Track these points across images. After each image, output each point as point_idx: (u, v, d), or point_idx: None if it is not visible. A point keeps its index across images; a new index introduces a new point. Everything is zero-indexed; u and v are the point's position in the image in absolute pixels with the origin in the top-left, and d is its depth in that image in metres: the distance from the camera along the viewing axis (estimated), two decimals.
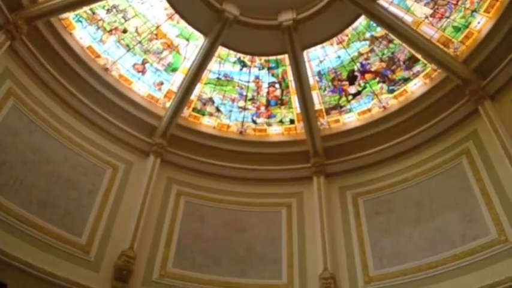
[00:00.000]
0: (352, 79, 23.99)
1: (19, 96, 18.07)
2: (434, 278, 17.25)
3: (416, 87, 22.20)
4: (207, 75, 24.32)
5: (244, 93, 25.06)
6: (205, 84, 24.62)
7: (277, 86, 25.11)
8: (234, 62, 24.60)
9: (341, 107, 24.30)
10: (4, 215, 15.78)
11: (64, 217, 17.97)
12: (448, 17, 20.72)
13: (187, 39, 23.45)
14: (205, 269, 20.16)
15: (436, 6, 20.84)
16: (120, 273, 18.01)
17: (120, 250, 18.56)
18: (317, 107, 24.00)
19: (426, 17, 21.07)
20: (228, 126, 24.92)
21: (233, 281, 19.98)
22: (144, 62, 23.36)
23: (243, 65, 24.68)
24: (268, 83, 25.11)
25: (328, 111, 24.42)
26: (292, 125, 24.95)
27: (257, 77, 25.01)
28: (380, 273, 18.92)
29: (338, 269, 19.65)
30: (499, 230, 16.54)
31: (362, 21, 22.66)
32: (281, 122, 25.14)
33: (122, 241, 18.94)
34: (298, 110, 24.05)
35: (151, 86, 23.63)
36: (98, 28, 21.98)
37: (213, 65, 24.10)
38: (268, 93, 25.19)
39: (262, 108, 25.28)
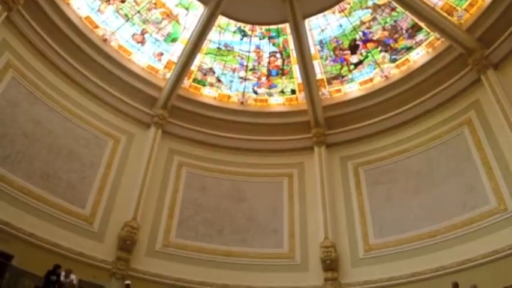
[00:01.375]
0: (354, 48, 23.66)
1: (18, 68, 17.93)
2: (434, 247, 17.53)
3: (418, 56, 21.93)
4: (207, 45, 23.98)
5: (245, 63, 24.80)
6: (206, 54, 24.32)
7: (278, 55, 24.80)
8: (234, 32, 24.21)
9: (342, 76, 24.08)
10: (8, 187, 15.94)
11: (67, 189, 18.13)
12: None
13: (187, 9, 23.03)
14: (208, 239, 20.50)
15: None
16: (124, 243, 18.31)
17: (123, 221, 18.83)
18: (318, 76, 23.79)
19: None
20: (229, 97, 24.79)
21: (235, 250, 20.35)
22: (143, 32, 23.02)
23: (244, 34, 24.30)
24: (269, 53, 24.80)
25: (329, 81, 24.20)
26: (294, 95, 24.80)
27: (258, 47, 24.67)
28: (380, 242, 19.22)
29: (339, 238, 19.96)
30: (498, 200, 16.69)
31: None
32: (282, 92, 24.99)
33: (125, 212, 19.20)
34: (300, 80, 23.87)
35: (151, 57, 23.36)
36: None
37: (213, 35, 23.73)
38: (269, 63, 24.92)
39: (263, 79, 25.06)
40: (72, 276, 14.46)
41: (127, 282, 16.04)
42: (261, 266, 19.85)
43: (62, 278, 14.01)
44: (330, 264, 18.97)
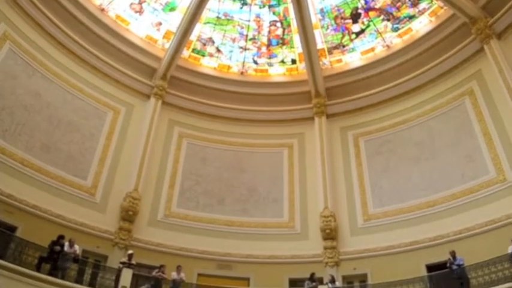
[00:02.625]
0: (355, 17, 23.27)
1: (15, 40, 17.72)
2: (433, 216, 17.75)
3: (421, 25, 21.58)
4: (206, 14, 23.55)
5: (245, 33, 24.43)
6: (205, 23, 23.93)
7: (278, 24, 24.41)
8: (234, 0, 23.76)
9: (344, 46, 23.78)
10: (9, 159, 16.02)
11: (68, 161, 18.22)
12: None
13: None
14: (209, 209, 20.72)
15: None
16: (126, 213, 18.53)
17: (125, 192, 19.00)
18: (319, 46, 23.46)
19: None
20: (229, 67, 24.56)
21: (236, 219, 20.59)
22: (141, 2, 22.55)
23: (243, 3, 23.83)
24: (269, 22, 24.39)
25: (330, 50, 23.92)
26: (294, 65, 24.56)
27: (258, 16, 24.25)
28: (379, 212, 19.44)
29: (338, 208, 20.18)
30: (497, 170, 16.79)
31: None
32: (282, 62, 24.72)
33: (127, 183, 19.34)
34: (300, 50, 23.55)
35: (149, 27, 23.01)
36: None
37: (212, 3, 23.23)
38: (269, 32, 24.55)
39: (263, 48, 24.75)
40: (76, 246, 14.72)
41: (130, 251, 16.29)
42: (262, 235, 20.16)
43: (65, 248, 14.27)
44: (330, 234, 19.25)
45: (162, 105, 22.31)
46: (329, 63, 23.82)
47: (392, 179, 19.83)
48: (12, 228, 14.80)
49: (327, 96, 23.11)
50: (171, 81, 22.71)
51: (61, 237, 14.39)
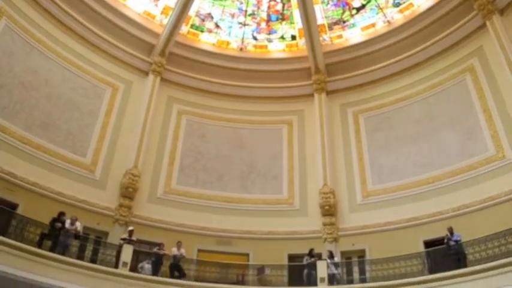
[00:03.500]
0: None
1: (11, 16, 17.46)
2: (431, 193, 17.85)
3: (423, 0, 21.24)
4: None
5: (244, 8, 24.10)
6: None
7: (278, 0, 24.06)
8: None
9: (344, 21, 23.49)
10: (8, 137, 16.02)
11: (67, 138, 18.22)
12: None
13: None
14: (208, 186, 20.82)
15: None
16: (126, 190, 18.62)
17: (124, 169, 19.05)
18: (319, 21, 23.14)
19: None
20: (228, 43, 24.28)
21: (235, 196, 20.73)
22: None
23: None
24: None
25: (330, 26, 23.64)
26: (294, 41, 24.29)
27: None
28: (378, 188, 19.55)
29: (337, 184, 20.28)
30: (497, 147, 16.81)
31: None
32: (282, 38, 24.45)
33: (126, 160, 19.39)
34: (300, 25, 23.24)
35: (147, 2, 22.66)
36: None
37: None
38: (268, 7, 24.23)
39: (263, 24, 24.45)
40: (77, 224, 14.88)
41: (130, 228, 16.45)
42: (261, 211, 20.31)
43: (67, 225, 14.41)
44: (329, 210, 19.39)
45: (160, 82, 22.16)
46: (329, 39, 23.58)
47: (391, 155, 19.87)
48: (13, 206, 14.93)
49: (327, 73, 22.94)
50: (169, 58, 22.51)
51: (62, 214, 14.56)
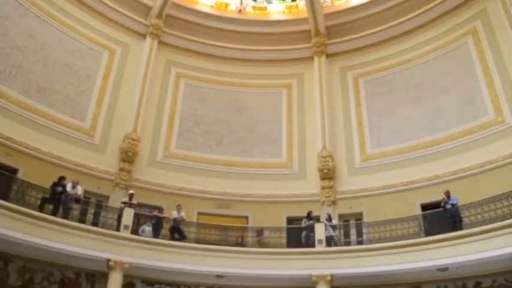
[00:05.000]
0: None
1: None
2: (430, 157, 17.94)
3: None
4: None
5: None
6: None
7: None
8: None
9: None
10: (6, 102, 15.95)
11: (65, 102, 18.13)
12: None
13: None
14: (208, 149, 20.88)
15: None
16: (126, 155, 18.68)
17: (124, 133, 19.06)
18: None
19: None
20: (227, 5, 23.76)
21: (235, 160, 20.80)
22: None
23: None
24: None
25: None
26: (294, 3, 23.80)
27: None
28: (377, 152, 19.61)
29: (336, 148, 20.33)
30: (496, 112, 16.77)
31: None
32: None
33: (125, 124, 19.37)
34: None
35: None
36: None
37: None
38: None
39: None
40: (78, 187, 15.04)
41: (130, 191, 16.63)
42: (260, 175, 20.45)
43: (68, 189, 14.54)
44: (327, 173, 19.53)
45: (158, 45, 21.85)
46: (330, 0, 23.06)
47: (391, 119, 19.84)
48: (14, 171, 15.02)
49: (327, 35, 22.57)
50: (167, 20, 22.09)
51: (62, 178, 14.66)
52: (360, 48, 22.09)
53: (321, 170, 19.62)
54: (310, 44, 22.67)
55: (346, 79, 22.00)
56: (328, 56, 22.50)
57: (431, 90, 19.08)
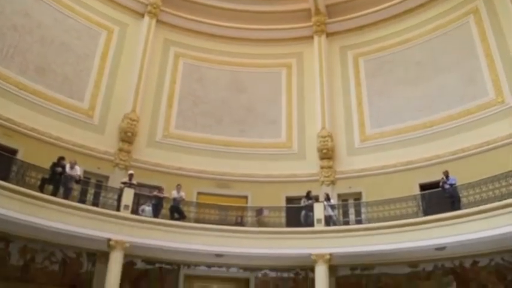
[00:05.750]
0: None
1: None
2: (429, 137, 17.94)
3: None
4: None
5: None
6: None
7: None
8: None
9: None
10: (4, 83, 15.85)
11: (63, 82, 18.02)
12: None
13: None
14: (207, 129, 20.85)
15: None
16: (125, 135, 18.67)
17: (123, 113, 19.01)
18: None
19: None
20: None
21: (234, 140, 20.80)
22: None
23: None
24: None
25: None
26: None
27: None
28: (376, 132, 19.59)
29: (335, 128, 20.32)
30: (497, 92, 16.69)
31: None
32: None
33: (124, 104, 19.29)
34: None
35: None
36: None
37: None
38: None
39: None
40: (77, 168, 15.05)
41: (130, 172, 16.68)
42: (259, 155, 20.47)
43: (67, 170, 14.57)
44: (326, 153, 19.55)
45: (156, 24, 21.61)
46: None
47: (390, 99, 19.75)
48: (13, 151, 15.03)
49: (327, 14, 22.33)
50: None
51: (61, 158, 14.68)
52: (361, 27, 21.85)
53: (320, 150, 19.63)
54: (310, 23, 22.43)
55: (346, 58, 21.83)
56: (328, 35, 22.28)
57: (431, 70, 18.95)
